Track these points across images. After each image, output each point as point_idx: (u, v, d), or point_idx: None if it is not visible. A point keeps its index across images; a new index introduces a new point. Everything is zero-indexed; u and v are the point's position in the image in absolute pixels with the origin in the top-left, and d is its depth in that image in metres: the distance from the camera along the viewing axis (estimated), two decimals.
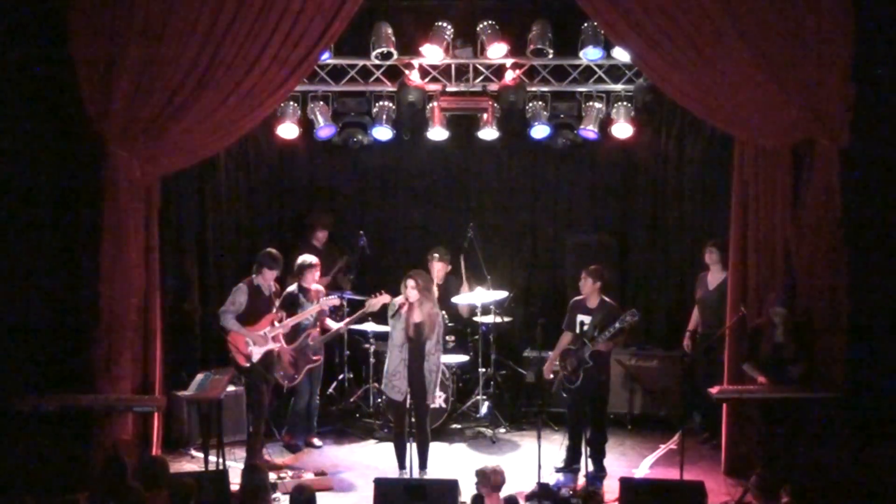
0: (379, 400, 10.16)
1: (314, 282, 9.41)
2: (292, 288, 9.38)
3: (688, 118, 10.42)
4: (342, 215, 11.31)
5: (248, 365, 8.83)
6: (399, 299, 8.54)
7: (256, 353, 8.84)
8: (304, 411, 9.57)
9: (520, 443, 9.82)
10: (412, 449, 8.32)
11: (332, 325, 9.54)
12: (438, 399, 8.73)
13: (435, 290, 8.82)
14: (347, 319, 9.57)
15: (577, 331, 8.79)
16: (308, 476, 8.53)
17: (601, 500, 8.24)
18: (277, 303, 9.13)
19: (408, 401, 8.53)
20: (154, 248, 8.79)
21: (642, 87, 10.27)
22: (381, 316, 9.71)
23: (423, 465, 8.63)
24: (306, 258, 9.43)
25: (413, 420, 8.56)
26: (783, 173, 8.61)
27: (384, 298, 9.32)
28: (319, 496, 7.03)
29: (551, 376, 8.91)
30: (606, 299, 8.88)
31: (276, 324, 9.02)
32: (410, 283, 8.48)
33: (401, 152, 11.21)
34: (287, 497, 7.91)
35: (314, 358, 9.45)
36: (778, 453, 8.20)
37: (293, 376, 9.34)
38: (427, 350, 8.50)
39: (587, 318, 8.79)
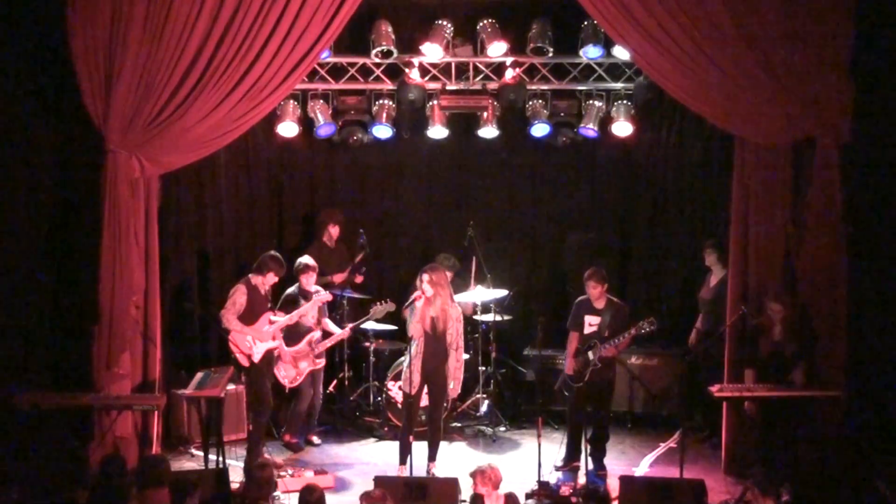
0: (379, 398, 10.17)
1: (313, 283, 9.39)
2: (291, 290, 9.38)
3: (688, 116, 10.41)
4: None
5: (249, 364, 8.83)
6: (416, 294, 8.55)
7: (258, 352, 8.84)
8: (305, 412, 9.57)
9: (520, 441, 9.82)
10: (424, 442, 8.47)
11: (334, 329, 9.53)
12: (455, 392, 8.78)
13: (449, 285, 8.77)
14: (350, 325, 9.57)
15: (585, 331, 8.77)
16: (308, 474, 8.53)
17: (607, 498, 8.23)
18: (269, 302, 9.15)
19: (422, 395, 8.58)
20: (154, 247, 8.80)
21: (642, 86, 10.26)
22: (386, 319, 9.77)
23: (432, 457, 8.69)
24: (304, 260, 9.41)
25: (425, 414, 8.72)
26: (783, 172, 8.61)
27: (388, 307, 9.34)
28: None
29: (571, 372, 8.85)
30: (613, 298, 8.86)
31: (273, 320, 9.01)
32: (425, 277, 8.48)
33: (401, 151, 11.21)
34: (286, 496, 7.97)
35: (317, 361, 9.44)
36: (778, 453, 8.20)
37: (295, 377, 9.34)
38: (447, 345, 8.51)
39: (594, 319, 8.76)
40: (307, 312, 9.28)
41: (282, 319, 9.06)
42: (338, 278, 10.23)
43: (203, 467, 8.34)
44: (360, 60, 10.40)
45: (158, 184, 8.94)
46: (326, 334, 9.53)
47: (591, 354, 8.64)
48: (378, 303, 9.39)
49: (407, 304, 8.55)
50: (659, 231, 11.15)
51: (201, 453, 8.66)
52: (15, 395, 8.22)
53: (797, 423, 8.30)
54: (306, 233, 11.03)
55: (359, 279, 10.51)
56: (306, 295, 9.35)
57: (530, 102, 10.55)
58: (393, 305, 9.41)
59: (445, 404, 9.00)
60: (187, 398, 8.78)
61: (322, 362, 9.52)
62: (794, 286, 8.55)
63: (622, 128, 10.55)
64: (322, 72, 10.42)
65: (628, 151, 11.11)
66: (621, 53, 9.86)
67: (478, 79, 10.47)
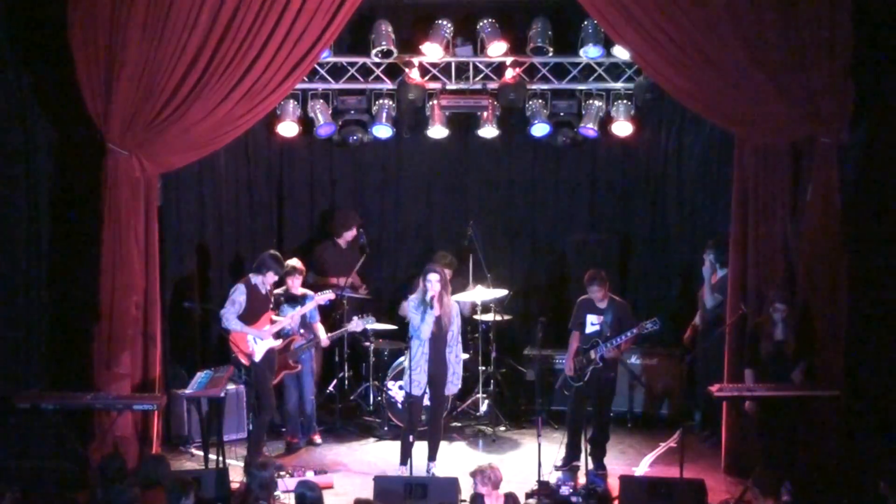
0: (379, 398, 10.16)
1: (299, 286, 9.38)
2: (278, 291, 9.36)
3: (688, 116, 10.41)
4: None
5: (250, 363, 8.83)
6: (417, 295, 8.52)
7: (259, 351, 8.84)
8: (294, 410, 9.54)
9: (520, 441, 9.81)
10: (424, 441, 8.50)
11: (320, 332, 9.51)
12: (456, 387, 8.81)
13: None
14: (329, 335, 9.57)
15: (587, 330, 8.76)
16: (309, 474, 8.53)
17: (608, 498, 8.22)
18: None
19: (425, 395, 8.58)
20: (154, 246, 8.81)
21: (642, 85, 10.26)
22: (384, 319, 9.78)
23: (432, 457, 8.70)
24: (291, 262, 9.38)
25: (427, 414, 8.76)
26: (783, 171, 8.61)
27: (367, 320, 9.39)
28: None
29: (571, 373, 8.85)
30: (615, 297, 8.86)
31: (274, 320, 9.01)
32: (434, 276, 8.42)
33: (401, 150, 11.21)
34: (286, 496, 7.97)
35: (292, 364, 9.36)
36: (778, 452, 8.20)
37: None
38: (448, 341, 8.52)
39: (597, 318, 8.76)
40: (306, 312, 9.27)
41: (283, 319, 9.06)
42: (343, 282, 10.25)
43: (203, 467, 8.35)
44: (360, 60, 10.41)
45: (158, 183, 8.95)
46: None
47: (592, 353, 8.64)
48: (356, 317, 9.43)
49: (426, 307, 8.44)
50: (659, 230, 11.15)
51: (201, 453, 8.66)
52: (15, 395, 8.23)
53: (797, 423, 8.30)
54: (314, 232, 11.03)
55: (356, 281, 10.50)
56: (292, 298, 9.34)
57: (530, 102, 10.54)
58: (373, 319, 9.47)
59: (446, 404, 9.00)
60: (187, 398, 8.78)
61: (298, 367, 9.42)
62: (794, 286, 8.55)
63: (622, 128, 10.54)
64: (322, 72, 10.42)
65: (628, 151, 11.10)
66: (621, 53, 9.87)
67: (478, 79, 10.47)
